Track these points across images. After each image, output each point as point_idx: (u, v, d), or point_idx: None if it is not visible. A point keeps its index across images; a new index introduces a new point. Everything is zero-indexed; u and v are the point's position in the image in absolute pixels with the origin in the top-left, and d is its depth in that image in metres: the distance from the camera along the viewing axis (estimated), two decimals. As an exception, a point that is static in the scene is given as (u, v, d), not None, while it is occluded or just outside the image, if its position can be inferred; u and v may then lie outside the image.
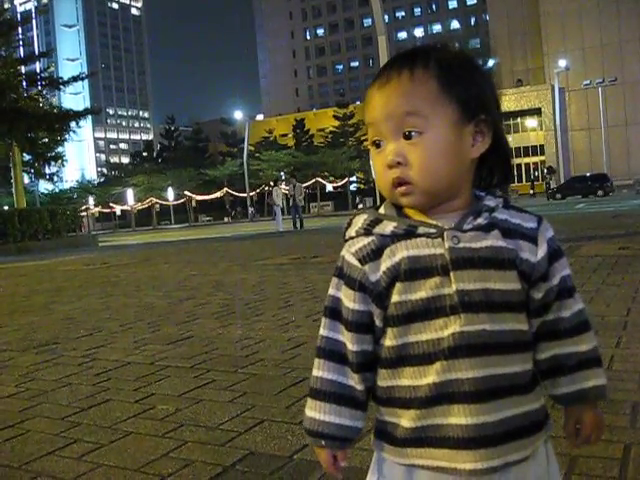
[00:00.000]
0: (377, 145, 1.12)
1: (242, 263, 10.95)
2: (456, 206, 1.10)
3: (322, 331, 1.15)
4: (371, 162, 1.17)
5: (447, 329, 1.04)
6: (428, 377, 1.05)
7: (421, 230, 1.08)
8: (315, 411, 1.14)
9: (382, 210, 1.13)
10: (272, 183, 31.44)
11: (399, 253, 1.07)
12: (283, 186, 34.57)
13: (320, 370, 1.14)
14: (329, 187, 66.88)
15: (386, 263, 1.07)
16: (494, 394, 1.04)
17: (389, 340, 1.08)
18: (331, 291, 1.14)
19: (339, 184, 65.16)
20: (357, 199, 61.79)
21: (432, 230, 1.07)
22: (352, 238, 1.12)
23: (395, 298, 1.07)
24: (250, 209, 57.23)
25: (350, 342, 1.11)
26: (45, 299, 7.94)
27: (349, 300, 1.10)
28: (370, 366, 1.11)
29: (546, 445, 1.13)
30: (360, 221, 1.12)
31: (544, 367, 1.15)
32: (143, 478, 2.33)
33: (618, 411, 2.60)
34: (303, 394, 3.15)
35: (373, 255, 1.08)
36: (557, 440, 2.29)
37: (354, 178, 70.39)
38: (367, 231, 1.10)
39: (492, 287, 1.05)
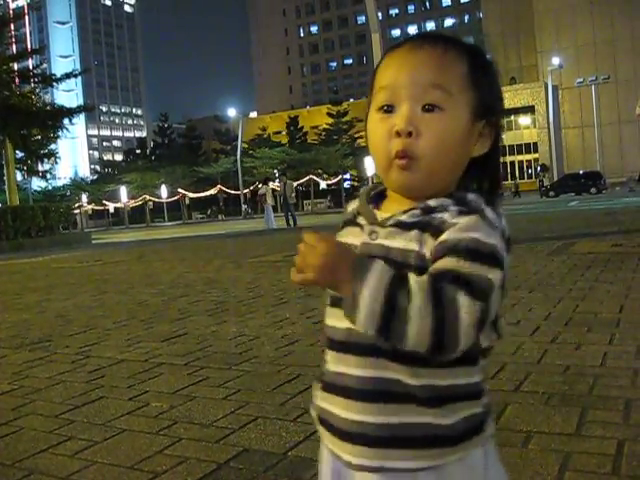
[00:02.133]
0: (385, 111, 1.05)
1: (236, 260, 10.93)
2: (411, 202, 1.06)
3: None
4: (369, 131, 1.08)
5: (342, 322, 1.00)
6: (328, 362, 1.08)
7: (359, 219, 1.08)
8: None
9: (373, 188, 1.14)
10: (261, 182, 31.30)
11: (340, 237, 1.09)
12: (275, 183, 34.52)
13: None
14: (323, 184, 66.83)
15: None
16: (381, 397, 1.00)
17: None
18: None
19: (333, 181, 65.12)
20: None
21: (364, 221, 1.07)
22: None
23: None
24: (244, 206, 57.15)
25: None
26: (38, 297, 7.92)
27: None
28: None
29: (485, 451, 1.05)
30: (360, 191, 1.14)
31: None
32: (137, 475, 2.33)
33: (611, 407, 2.61)
34: (297, 391, 3.15)
35: (340, 229, 1.13)
36: (551, 436, 2.32)
37: (348, 175, 70.37)
38: (349, 203, 1.15)
39: None
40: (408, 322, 0.90)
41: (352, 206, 1.12)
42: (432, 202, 1.02)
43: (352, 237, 1.07)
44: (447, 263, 0.94)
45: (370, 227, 1.05)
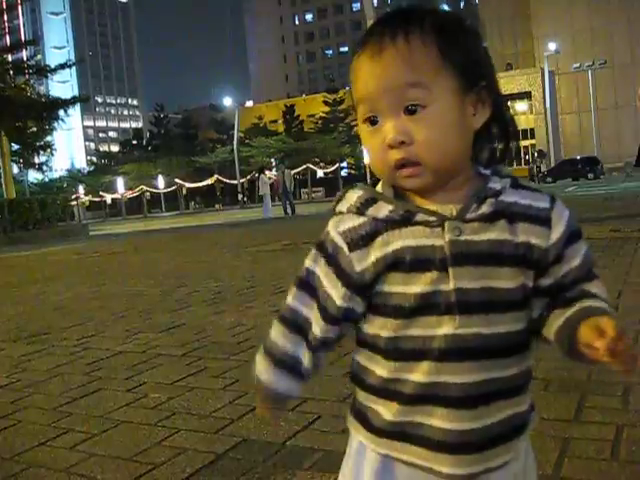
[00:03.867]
0: (371, 122, 1.00)
1: (233, 250, 10.92)
2: (457, 185, 1.00)
3: (289, 300, 1.08)
4: (363, 142, 1.02)
5: (440, 328, 0.96)
6: (415, 374, 0.98)
7: (419, 217, 0.98)
8: (261, 366, 1.12)
9: (379, 188, 1.03)
10: (256, 172, 31.18)
11: (394, 243, 0.97)
12: (272, 172, 34.44)
13: (277, 334, 1.10)
14: (320, 173, 66.69)
15: (377, 253, 0.98)
16: (482, 400, 0.98)
17: (378, 329, 1.01)
18: (307, 263, 1.06)
19: (330, 170, 65.01)
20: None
21: (432, 218, 0.97)
22: (342, 213, 1.02)
23: (386, 288, 0.99)
24: (240, 196, 57.06)
25: (318, 328, 1.04)
26: (36, 289, 7.91)
27: (333, 289, 1.02)
28: (327, 348, 1.07)
29: (525, 440, 1.06)
30: (354, 197, 1.02)
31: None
32: (136, 467, 2.33)
33: (610, 393, 2.61)
34: (296, 380, 3.14)
35: (363, 241, 0.98)
36: (550, 422, 2.31)
37: (345, 164, 70.26)
38: (360, 210, 1.00)
39: (493, 286, 0.97)
40: None
41: (386, 209, 0.99)
42: (496, 185, 1.00)
43: (417, 238, 0.97)
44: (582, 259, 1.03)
45: (453, 223, 0.97)
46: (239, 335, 4.29)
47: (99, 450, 2.52)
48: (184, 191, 68.50)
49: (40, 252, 15.67)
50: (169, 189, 66.59)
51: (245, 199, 57.24)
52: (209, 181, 65.43)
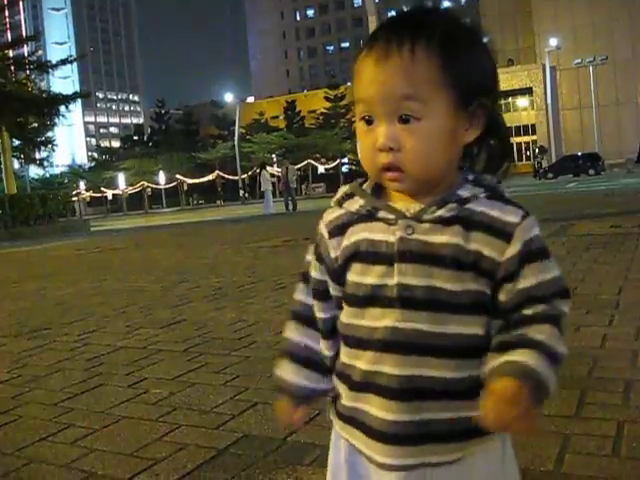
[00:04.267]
0: (367, 122, 1.03)
1: (234, 246, 10.92)
2: (437, 190, 1.03)
3: (295, 295, 1.17)
4: (357, 139, 1.07)
5: (383, 320, 1.01)
6: (360, 362, 1.04)
7: (381, 214, 1.04)
8: (281, 366, 1.15)
9: (366, 185, 1.09)
10: (258, 168, 31.14)
11: (357, 234, 1.05)
12: (274, 168, 34.44)
13: (290, 331, 1.15)
14: (321, 169, 66.68)
15: (345, 242, 1.06)
16: (417, 395, 0.99)
17: (342, 315, 1.09)
18: (307, 256, 1.16)
19: (331, 166, 64.98)
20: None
21: (391, 216, 1.03)
22: (330, 207, 1.12)
23: (350, 277, 1.06)
24: (241, 192, 57.05)
25: (317, 309, 1.12)
26: (37, 285, 7.91)
27: (313, 268, 1.13)
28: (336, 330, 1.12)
29: (504, 444, 1.06)
30: (340, 192, 1.10)
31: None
32: (137, 462, 2.33)
33: (611, 389, 2.60)
34: (296, 376, 3.15)
35: (339, 230, 1.07)
36: (551, 418, 2.31)
37: (346, 160, 70.23)
38: (339, 203, 1.09)
39: (438, 286, 0.99)
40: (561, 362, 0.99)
41: (358, 203, 1.06)
42: (464, 192, 1.01)
43: (375, 233, 1.03)
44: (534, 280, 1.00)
45: (406, 221, 1.01)
46: (240, 331, 4.29)
47: (100, 445, 2.52)
48: (185, 187, 68.45)
49: (41, 248, 15.67)
50: (170, 185, 66.58)
51: (246, 195, 57.22)
52: (210, 177, 65.39)
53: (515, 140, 73.68)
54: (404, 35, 0.98)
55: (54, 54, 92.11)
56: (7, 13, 31.83)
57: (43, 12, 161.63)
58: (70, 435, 2.66)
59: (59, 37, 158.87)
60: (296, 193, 27.64)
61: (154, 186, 66.89)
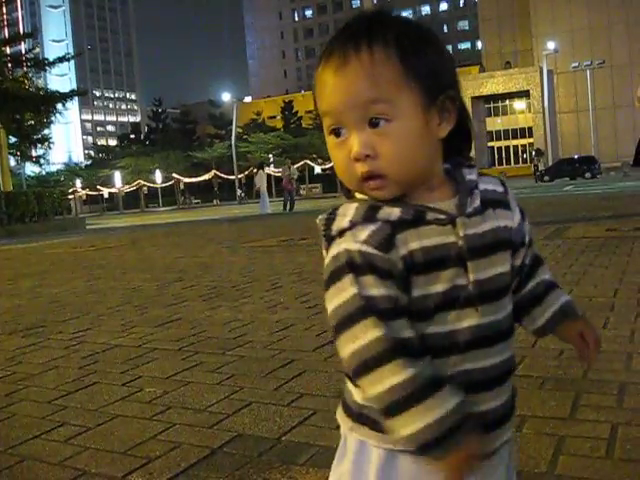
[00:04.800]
0: (336, 134, 1.01)
1: (230, 245, 10.92)
2: (436, 184, 1.03)
3: (376, 334, 0.92)
4: (330, 154, 1.03)
5: (462, 322, 0.98)
6: (441, 370, 0.97)
7: (430, 216, 0.98)
8: (425, 417, 0.91)
9: (363, 196, 1.02)
10: (257, 165, 31.13)
11: (411, 242, 0.96)
12: (271, 168, 34.44)
13: (398, 372, 0.92)
14: (317, 169, 66.70)
15: (402, 250, 0.96)
16: (498, 381, 1.02)
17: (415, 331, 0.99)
18: (354, 291, 0.94)
19: (328, 166, 65.00)
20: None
21: (441, 216, 0.99)
22: (347, 229, 0.97)
23: (414, 292, 0.97)
24: (238, 191, 57.06)
25: (406, 328, 0.95)
26: (32, 282, 7.89)
27: (382, 290, 0.94)
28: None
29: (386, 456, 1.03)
30: (352, 210, 0.99)
31: (517, 307, 1.11)
32: (130, 461, 2.32)
33: (605, 391, 2.61)
34: (291, 376, 3.15)
35: (389, 242, 0.96)
36: (545, 420, 2.31)
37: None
38: (369, 218, 0.97)
39: (498, 272, 1.02)
40: None
41: (395, 211, 0.97)
42: (471, 177, 1.05)
43: (430, 238, 0.97)
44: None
45: (462, 219, 0.99)
46: (235, 330, 4.29)
47: (94, 444, 2.51)
48: (182, 186, 68.43)
49: (36, 245, 15.64)
50: (166, 184, 66.53)
51: (243, 195, 57.22)
52: (207, 176, 65.36)
53: (512, 143, 73.93)
54: (360, 39, 0.97)
55: (51, 51, 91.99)
56: (5, 10, 31.82)
57: (41, 9, 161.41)
58: (64, 433, 2.65)
59: (56, 35, 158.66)
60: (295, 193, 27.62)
61: (150, 185, 66.85)
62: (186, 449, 2.39)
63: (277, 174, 29.17)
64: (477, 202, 1.02)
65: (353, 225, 0.97)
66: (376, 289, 0.94)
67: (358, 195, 1.03)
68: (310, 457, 2.21)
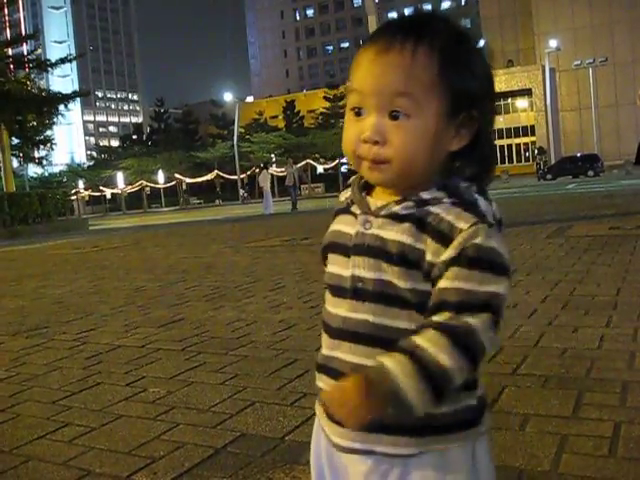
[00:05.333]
0: (357, 113, 1.04)
1: (233, 245, 10.92)
2: (412, 190, 1.03)
3: None
4: (344, 126, 1.06)
5: (338, 309, 1.06)
6: (323, 346, 1.10)
7: (353, 207, 1.08)
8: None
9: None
10: (261, 165, 31.16)
11: (335, 224, 1.11)
12: (274, 168, 34.45)
13: None
14: (320, 169, 66.68)
15: (329, 229, 1.12)
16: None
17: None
18: None
19: (330, 166, 65.00)
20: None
21: (358, 210, 1.07)
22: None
23: (327, 267, 1.11)
24: (241, 191, 57.05)
25: None
26: (35, 283, 7.91)
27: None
28: None
29: (475, 448, 1.04)
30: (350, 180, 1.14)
31: None
32: (134, 461, 2.33)
33: (608, 390, 2.61)
34: (295, 375, 3.15)
35: (333, 217, 1.13)
36: (548, 419, 2.32)
37: (345, 160, 70.33)
38: (340, 192, 1.16)
39: (388, 280, 1.00)
40: (454, 378, 0.94)
41: (345, 194, 1.12)
42: (425, 195, 1.01)
43: (345, 225, 1.08)
44: (450, 283, 0.96)
45: (364, 216, 1.05)
46: (238, 330, 4.29)
47: (98, 444, 2.52)
48: (184, 186, 68.44)
49: (40, 246, 15.67)
50: (169, 184, 66.54)
51: (245, 195, 57.21)
52: (209, 176, 65.36)
53: (514, 141, 73.79)
54: (409, 34, 1.00)
55: (53, 52, 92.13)
56: (6, 11, 31.83)
57: (43, 10, 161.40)
58: (68, 433, 2.66)
59: (58, 36, 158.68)
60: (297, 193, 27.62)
61: (153, 185, 66.85)
62: (190, 449, 2.40)
63: (281, 174, 28.99)
64: (397, 209, 1.02)
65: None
66: None
67: None
68: (313, 456, 2.21)
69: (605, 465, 2.00)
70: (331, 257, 1.10)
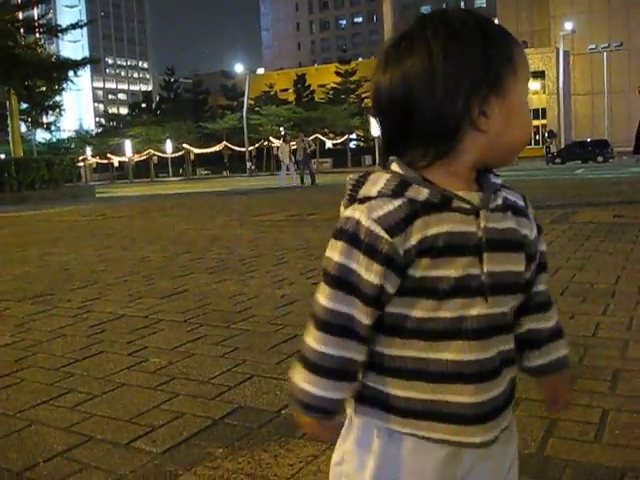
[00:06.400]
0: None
1: (239, 218, 10.97)
2: (463, 174, 1.05)
3: (327, 303, 1.03)
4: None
5: (471, 310, 1.02)
6: (444, 353, 1.02)
7: (455, 203, 1.01)
8: (313, 386, 1.04)
9: (398, 170, 1.04)
10: (283, 134, 31.07)
11: (434, 227, 0.99)
12: (280, 142, 34.34)
13: (323, 345, 1.03)
14: (329, 144, 66.44)
15: (417, 235, 0.99)
16: (499, 371, 1.05)
17: (407, 311, 1.03)
18: (339, 259, 1.01)
19: (339, 141, 64.79)
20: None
21: (466, 205, 1.02)
22: (371, 199, 1.01)
23: (419, 273, 1.00)
24: (248, 164, 56.95)
25: (366, 317, 1.02)
26: (41, 250, 7.98)
27: (372, 274, 0.99)
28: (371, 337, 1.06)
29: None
30: (382, 180, 1.02)
31: (518, 341, 1.13)
32: (134, 429, 2.40)
33: (599, 377, 2.67)
34: (294, 351, 3.21)
35: (402, 225, 0.99)
36: (538, 403, 2.37)
37: (354, 135, 69.95)
38: (396, 193, 1.00)
39: (511, 270, 1.05)
40: None
41: (423, 192, 1.00)
42: (496, 180, 1.08)
43: (455, 224, 1.01)
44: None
45: (485, 211, 1.03)
46: (240, 304, 4.36)
47: (99, 411, 2.60)
48: (192, 157, 68.35)
49: (46, 212, 15.74)
50: (177, 154, 66.47)
51: (253, 167, 57.13)
52: (217, 148, 65.25)
53: (525, 123, 73.08)
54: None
55: (64, 17, 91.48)
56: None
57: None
58: (71, 400, 2.73)
59: (69, 0, 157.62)
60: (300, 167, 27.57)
61: (161, 155, 66.78)
62: (189, 419, 2.47)
63: (293, 147, 28.79)
64: (500, 201, 1.06)
65: (379, 196, 1.00)
66: (364, 271, 0.99)
67: (394, 167, 1.05)
68: (308, 431, 2.28)
69: (590, 450, 2.05)
70: (435, 261, 1.00)
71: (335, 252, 1.01)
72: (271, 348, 3.32)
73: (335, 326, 1.02)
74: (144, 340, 3.60)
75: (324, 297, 1.03)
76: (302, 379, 1.06)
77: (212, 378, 2.92)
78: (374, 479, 1.06)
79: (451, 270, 1.00)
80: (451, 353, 1.02)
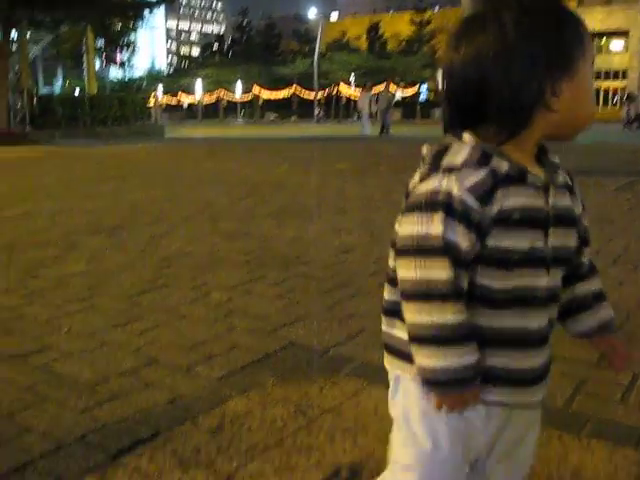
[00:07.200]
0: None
1: (304, 165, 11.12)
2: (530, 151, 1.11)
3: (439, 273, 1.02)
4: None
5: (540, 280, 1.09)
6: (527, 320, 1.09)
7: (530, 178, 1.06)
8: (445, 361, 1.04)
9: (471, 141, 1.07)
10: (365, 84, 30.81)
11: (511, 198, 1.03)
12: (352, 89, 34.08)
13: (446, 314, 1.03)
14: (398, 95, 65.55)
15: (497, 205, 1.02)
16: (548, 338, 1.14)
17: (490, 280, 1.06)
18: (439, 230, 1.01)
19: (408, 94, 63.80)
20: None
21: (537, 182, 1.07)
22: (457, 169, 1.03)
23: (491, 242, 1.04)
24: (317, 110, 56.74)
25: (462, 281, 1.05)
26: (112, 186, 8.33)
27: (466, 241, 1.02)
28: None
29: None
30: (465, 151, 1.05)
31: (565, 307, 1.21)
32: (195, 356, 2.62)
33: (636, 343, 2.75)
34: (345, 296, 3.39)
35: (489, 196, 1.02)
36: (569, 362, 2.49)
37: (425, 87, 68.76)
38: (480, 163, 1.03)
39: (568, 244, 1.12)
40: None
41: (504, 164, 1.04)
42: (555, 159, 1.14)
43: (529, 199, 1.05)
44: None
45: (554, 188, 1.09)
46: (299, 249, 4.55)
47: (163, 338, 2.83)
48: (260, 101, 68.46)
49: (117, 148, 16.20)
50: (246, 98, 66.65)
51: (321, 114, 56.91)
52: (286, 92, 65.15)
53: (603, 84, 70.66)
54: None
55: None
56: None
57: None
58: (137, 327, 2.98)
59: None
60: (372, 118, 27.41)
61: (230, 99, 67.09)
62: (244, 350, 2.68)
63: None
64: (561, 179, 1.12)
65: (464, 165, 1.03)
66: (462, 238, 1.01)
67: (466, 137, 1.07)
68: (353, 369, 2.47)
69: (615, 410, 2.17)
70: (508, 232, 1.04)
71: (430, 224, 1.02)
72: (324, 292, 3.50)
73: (453, 293, 1.03)
74: (206, 277, 3.84)
75: (437, 271, 1.02)
76: (434, 357, 1.05)
77: (268, 315, 3.12)
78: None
79: (521, 241, 1.04)
80: (532, 320, 1.09)
